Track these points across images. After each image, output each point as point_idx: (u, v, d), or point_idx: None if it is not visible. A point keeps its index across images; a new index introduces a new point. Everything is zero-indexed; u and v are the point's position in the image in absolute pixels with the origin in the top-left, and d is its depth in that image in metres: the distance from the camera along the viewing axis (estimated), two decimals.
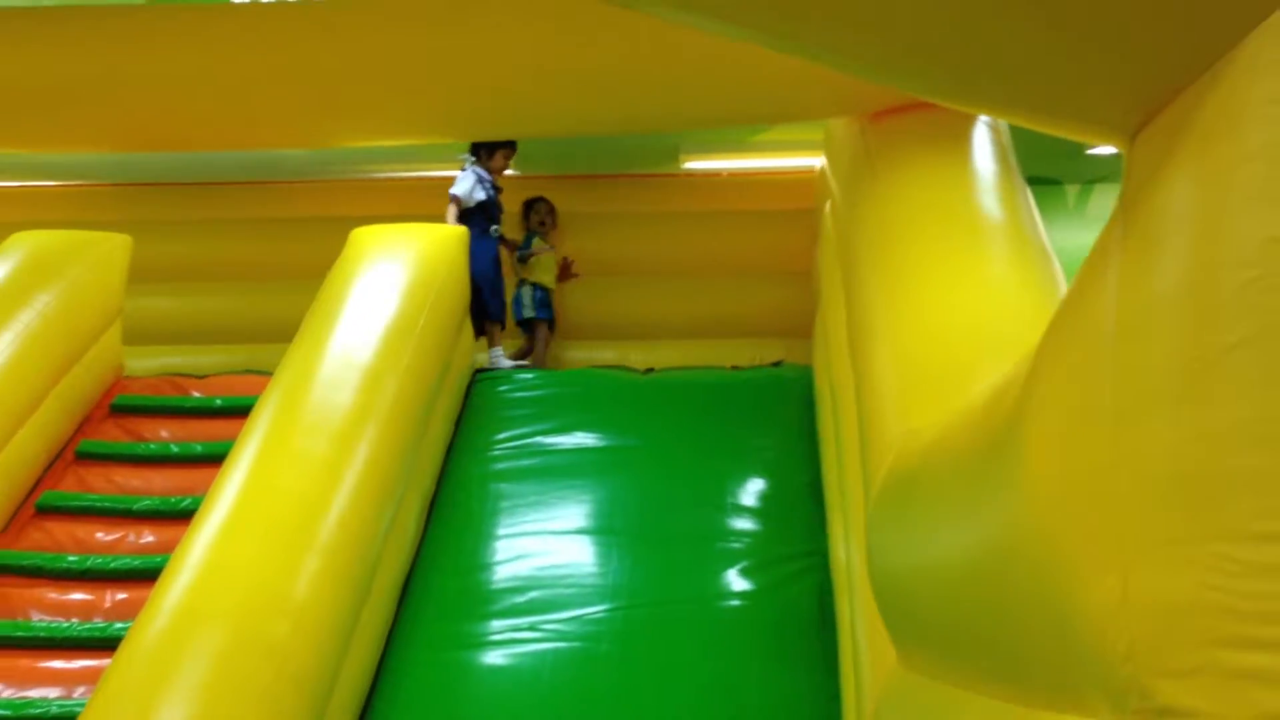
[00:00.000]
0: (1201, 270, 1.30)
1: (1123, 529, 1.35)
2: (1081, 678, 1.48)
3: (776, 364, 6.03)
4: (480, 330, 6.29)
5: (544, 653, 4.04)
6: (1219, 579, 1.25)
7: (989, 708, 1.99)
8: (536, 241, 6.88)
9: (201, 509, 3.87)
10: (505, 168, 6.54)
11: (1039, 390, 1.57)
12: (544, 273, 6.87)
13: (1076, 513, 1.44)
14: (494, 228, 6.43)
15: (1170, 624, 1.28)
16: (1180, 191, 1.34)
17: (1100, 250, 1.47)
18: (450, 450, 5.12)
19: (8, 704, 3.91)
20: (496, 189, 6.48)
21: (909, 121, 4.56)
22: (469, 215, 6.33)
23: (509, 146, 6.50)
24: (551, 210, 7.02)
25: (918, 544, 2.40)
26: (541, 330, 6.81)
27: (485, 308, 6.28)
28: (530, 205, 7.00)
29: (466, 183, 6.36)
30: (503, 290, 6.49)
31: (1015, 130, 4.49)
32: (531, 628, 4.13)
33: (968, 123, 4.43)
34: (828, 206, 5.34)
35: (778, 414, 5.17)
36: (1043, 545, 1.53)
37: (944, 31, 1.47)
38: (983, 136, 4.43)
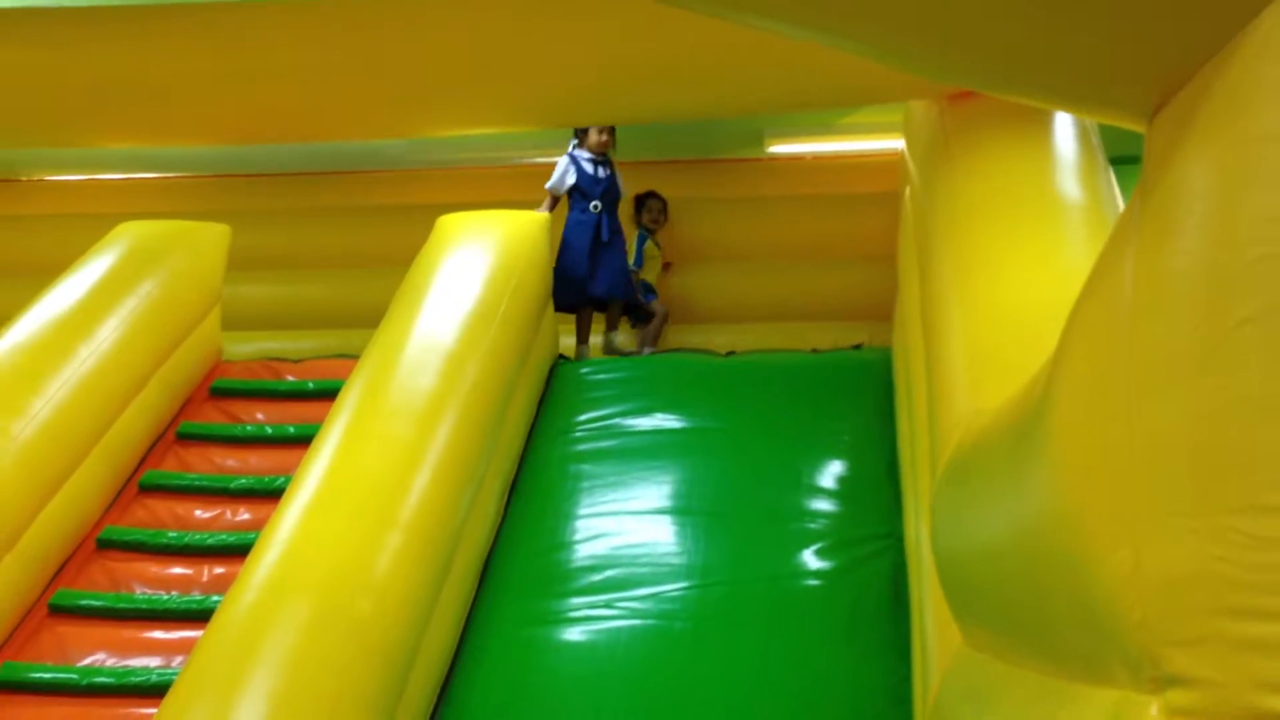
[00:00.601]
0: (1214, 248, 1.32)
1: (1136, 502, 1.38)
2: (1104, 649, 1.51)
3: (856, 347, 6.04)
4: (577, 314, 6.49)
5: (620, 629, 4.12)
6: (1225, 550, 1.27)
7: (1034, 682, 2.02)
8: (648, 246, 6.94)
9: (289, 488, 4.02)
10: (606, 143, 6.55)
11: (1063, 368, 1.60)
12: (648, 271, 6.94)
13: (1095, 487, 1.47)
14: (593, 204, 6.46)
15: (1178, 595, 1.31)
16: (1194, 171, 1.36)
17: (1120, 230, 1.49)
18: (532, 432, 5.23)
19: (111, 671, 4.11)
20: (598, 164, 6.52)
21: (988, 103, 4.51)
22: (570, 195, 6.53)
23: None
24: (664, 208, 7.03)
25: (972, 522, 2.43)
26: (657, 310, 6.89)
27: (572, 286, 6.34)
28: (641, 202, 7.00)
29: (557, 171, 6.54)
30: (602, 271, 6.46)
31: None
32: (608, 605, 4.21)
33: None
34: (907, 190, 5.32)
35: (856, 397, 5.18)
36: (1067, 520, 1.56)
37: (965, 21, 1.50)
38: (1064, 117, 4.38)
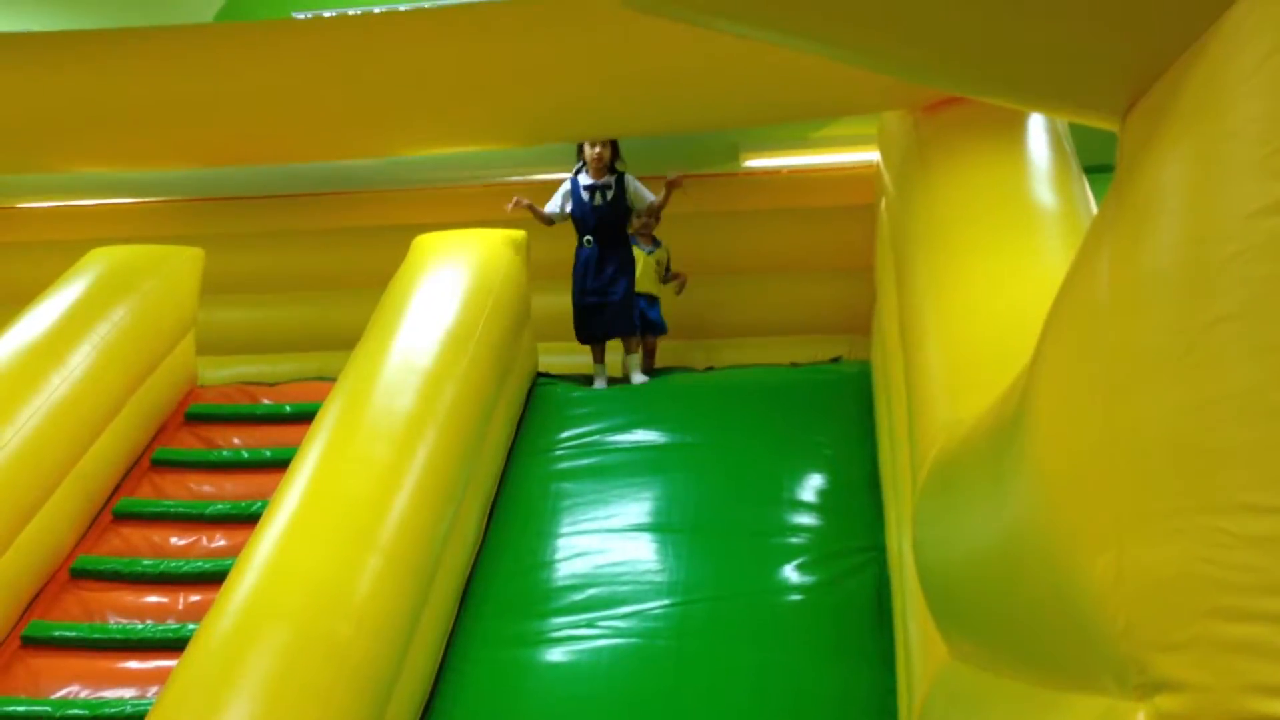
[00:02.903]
0: (1189, 245, 1.30)
1: (1118, 504, 1.36)
2: (1090, 657, 1.48)
3: (835, 360, 6.03)
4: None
5: (602, 648, 4.07)
6: (1210, 551, 1.25)
7: (1019, 692, 1.99)
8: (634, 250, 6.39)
9: (267, 513, 3.97)
10: (601, 156, 5.95)
11: (1041, 371, 1.58)
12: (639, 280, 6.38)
13: (1076, 491, 1.45)
14: (585, 238, 5.99)
15: (1164, 598, 1.29)
16: (1168, 168, 1.35)
17: (1095, 230, 1.47)
18: (512, 451, 5.19)
19: (85, 704, 4.04)
20: (597, 188, 5.97)
21: (962, 112, 4.52)
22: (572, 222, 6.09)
23: None
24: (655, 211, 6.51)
25: (954, 531, 2.40)
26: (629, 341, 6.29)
27: (578, 321, 6.02)
28: None
29: (555, 199, 6.10)
30: (603, 312, 6.00)
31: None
32: (590, 624, 4.17)
33: (1022, 112, 4.38)
34: (883, 202, 5.32)
35: (836, 410, 5.16)
36: (1048, 525, 1.54)
37: (936, 19, 1.48)
38: (1038, 125, 4.38)
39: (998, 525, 1.88)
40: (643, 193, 6.18)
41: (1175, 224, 1.32)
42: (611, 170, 6.06)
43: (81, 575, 4.67)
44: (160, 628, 4.39)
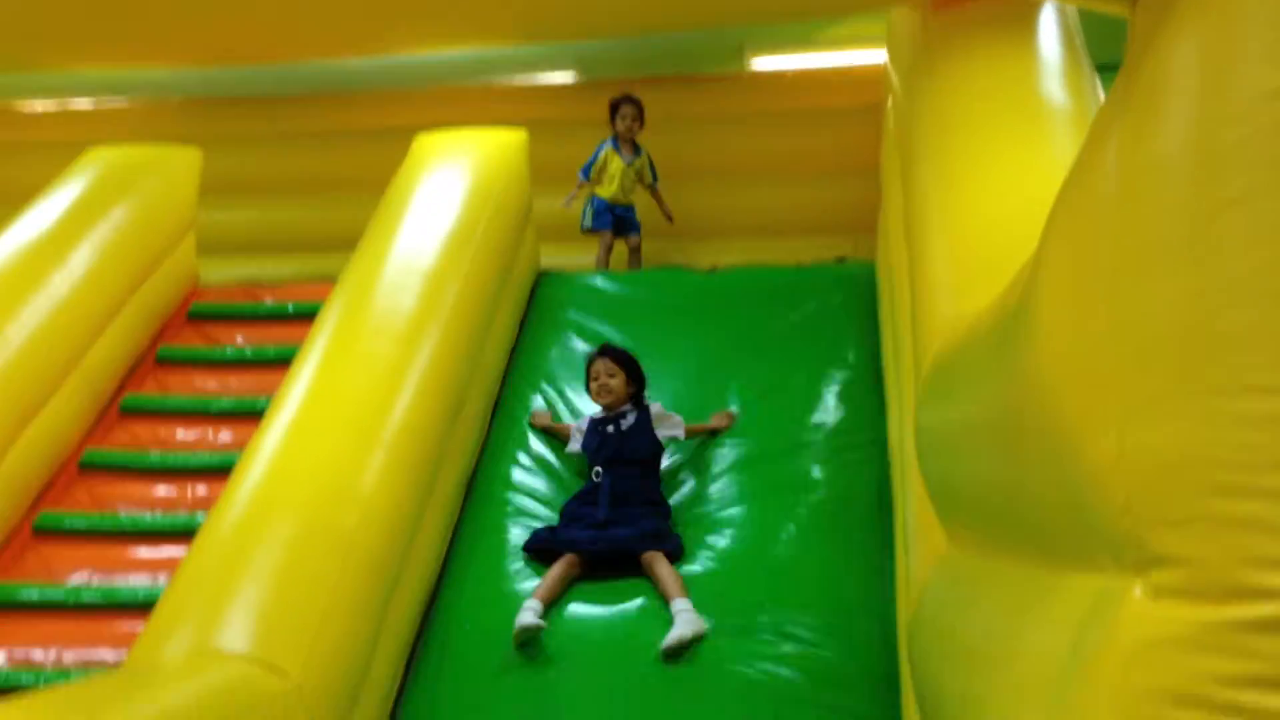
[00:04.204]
0: (1199, 128, 1.30)
1: (1121, 387, 1.38)
2: (1089, 535, 1.52)
3: (840, 260, 6.02)
4: None
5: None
6: (1211, 431, 1.27)
7: (1017, 574, 2.03)
8: (606, 151, 6.41)
9: (272, 408, 4.00)
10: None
11: (1047, 258, 1.59)
12: (609, 184, 6.42)
13: (1079, 372, 1.47)
14: (595, 470, 4.29)
15: (1164, 476, 1.31)
16: (1179, 52, 1.34)
17: (1103, 116, 1.47)
18: (515, 350, 5.21)
19: (98, 590, 4.12)
20: (606, 420, 4.40)
21: (970, 9, 4.47)
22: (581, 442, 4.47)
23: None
24: (639, 115, 6.43)
25: (955, 420, 2.44)
26: (604, 237, 6.44)
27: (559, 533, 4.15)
28: (615, 108, 6.44)
29: (572, 437, 4.55)
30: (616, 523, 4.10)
31: (1098, 15, 4.35)
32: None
33: (1032, 9, 4.33)
34: (890, 101, 5.28)
35: (841, 308, 5.17)
36: (1051, 410, 1.56)
37: None
38: (1048, 22, 4.33)
39: (1000, 412, 1.91)
40: (669, 427, 4.47)
41: (1183, 108, 1.32)
42: (634, 400, 4.46)
43: (90, 468, 4.72)
44: (170, 518, 4.45)
